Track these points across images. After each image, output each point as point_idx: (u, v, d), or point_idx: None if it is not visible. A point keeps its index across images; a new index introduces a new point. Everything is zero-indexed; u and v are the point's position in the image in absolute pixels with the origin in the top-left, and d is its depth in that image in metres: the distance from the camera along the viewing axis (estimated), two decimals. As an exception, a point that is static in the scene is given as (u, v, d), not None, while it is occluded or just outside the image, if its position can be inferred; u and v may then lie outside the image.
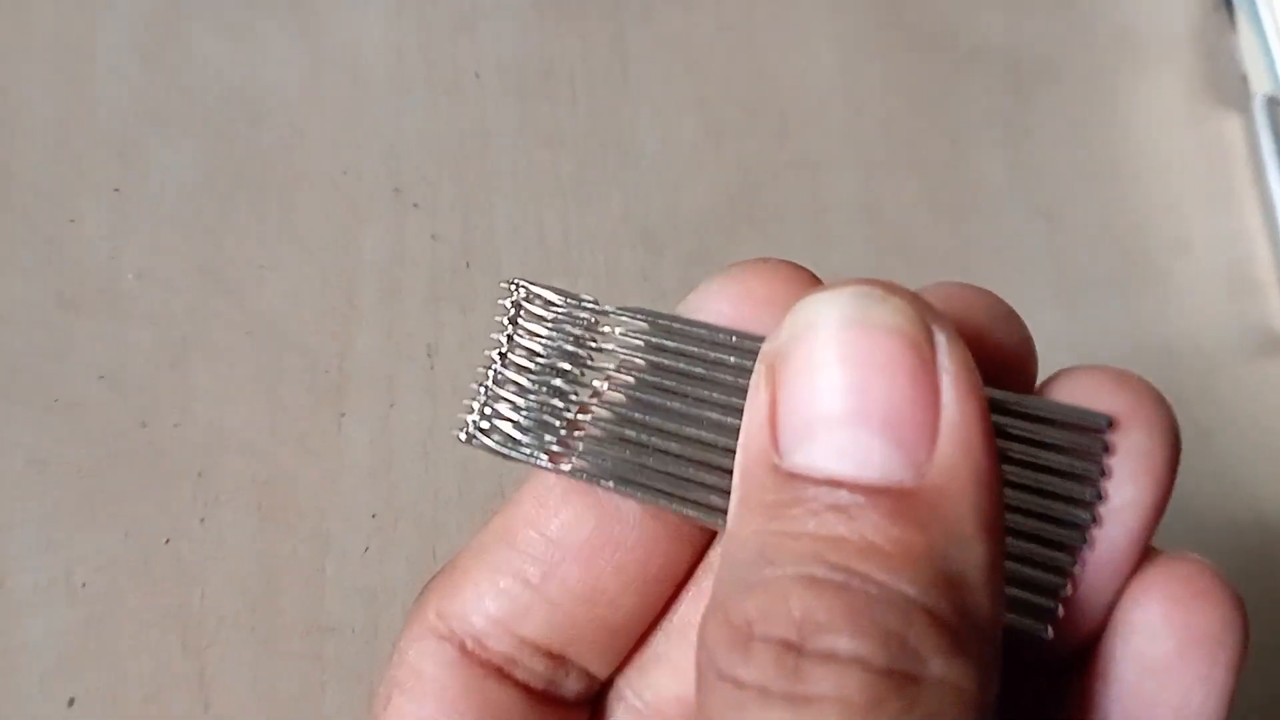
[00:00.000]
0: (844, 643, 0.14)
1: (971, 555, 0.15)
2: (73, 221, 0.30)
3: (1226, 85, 0.53)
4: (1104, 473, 0.17)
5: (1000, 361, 0.18)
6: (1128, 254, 0.45)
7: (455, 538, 0.29)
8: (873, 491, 0.15)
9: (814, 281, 0.18)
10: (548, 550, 0.19)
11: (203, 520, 0.28)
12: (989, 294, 0.18)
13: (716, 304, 0.18)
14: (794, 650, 0.14)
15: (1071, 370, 0.18)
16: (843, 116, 0.43)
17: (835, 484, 0.15)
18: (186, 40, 0.33)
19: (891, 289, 0.16)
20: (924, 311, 0.15)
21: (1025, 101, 0.47)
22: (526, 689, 0.19)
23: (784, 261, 0.19)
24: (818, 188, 0.40)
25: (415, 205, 0.34)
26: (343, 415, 0.30)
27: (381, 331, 0.31)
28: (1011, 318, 0.18)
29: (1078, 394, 0.18)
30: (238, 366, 0.30)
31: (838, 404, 0.15)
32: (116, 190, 0.31)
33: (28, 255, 0.29)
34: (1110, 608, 0.18)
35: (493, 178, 0.35)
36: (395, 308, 0.32)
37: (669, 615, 0.20)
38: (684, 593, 0.20)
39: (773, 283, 0.18)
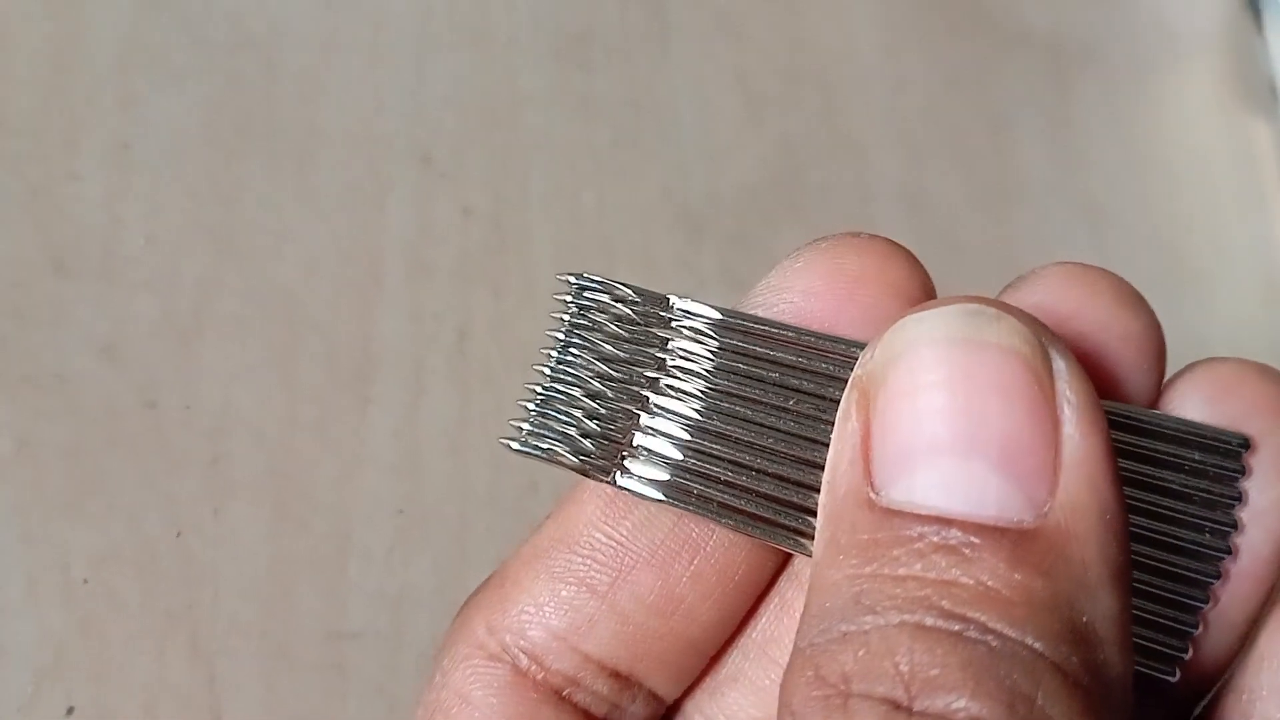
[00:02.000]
0: (963, 703, 0.12)
1: (1100, 606, 0.13)
2: (72, 178, 0.27)
3: (1255, 89, 0.52)
4: (1240, 499, 0.16)
5: (1127, 354, 0.16)
6: (1168, 256, 0.44)
7: (486, 539, 0.27)
8: (989, 531, 0.13)
9: (910, 259, 0.17)
10: (617, 554, 0.17)
11: (216, 512, 0.25)
12: (1113, 276, 0.17)
13: (803, 281, 0.17)
14: (902, 711, 0.12)
15: (1207, 363, 0.17)
16: (885, 96, 0.41)
17: (944, 522, 0.13)
18: (198, -19, 0.30)
19: (1005, 307, 0.14)
20: (1041, 333, 0.14)
21: (1066, 90, 0.46)
22: (586, 716, 0.17)
23: (878, 236, 0.17)
24: (860, 171, 0.38)
25: (443, 175, 0.31)
26: (366, 402, 0.28)
27: (408, 312, 0.29)
28: (1138, 304, 0.17)
29: (1216, 389, 0.16)
30: (252, 345, 0.27)
31: (945, 431, 0.13)
32: (122, 144, 0.28)
33: (21, 214, 0.26)
34: (1245, 630, 0.16)
35: (524, 148, 0.33)
36: (423, 286, 0.29)
37: (747, 630, 0.18)
38: (764, 605, 0.18)
39: (867, 258, 0.16)
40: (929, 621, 0.12)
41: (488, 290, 0.30)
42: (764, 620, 0.18)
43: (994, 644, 0.12)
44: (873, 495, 0.14)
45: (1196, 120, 0.49)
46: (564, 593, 0.17)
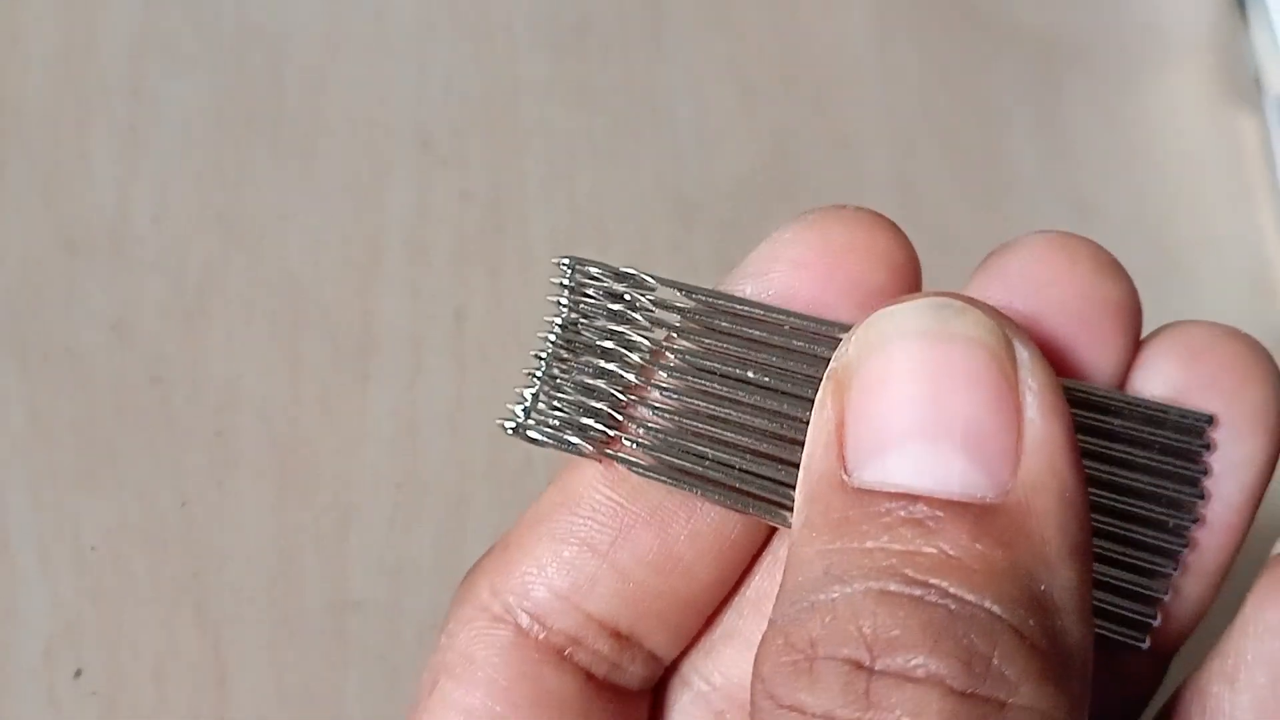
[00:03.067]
0: (920, 661, 0.13)
1: (1059, 577, 0.14)
2: (83, 160, 0.28)
3: (1242, 85, 0.52)
4: (1206, 472, 0.17)
5: (1105, 319, 0.17)
6: (1156, 249, 0.45)
7: (484, 512, 0.28)
8: (953, 506, 0.14)
9: (896, 231, 0.17)
10: (617, 514, 0.17)
11: (221, 484, 0.26)
12: (1092, 244, 0.17)
13: (793, 251, 0.17)
14: (864, 671, 0.13)
15: (1179, 326, 0.17)
16: (877, 90, 0.41)
17: (910, 498, 0.14)
18: (205, -30, 0.31)
19: (971, 301, 0.15)
20: (1005, 325, 0.15)
21: (1056, 86, 0.46)
22: (587, 675, 0.18)
23: (864, 208, 0.17)
24: (851, 162, 0.39)
25: (443, 161, 0.32)
26: (366, 379, 0.29)
27: (407, 292, 0.30)
28: (1116, 271, 0.17)
29: (1188, 351, 0.17)
30: (256, 323, 0.28)
31: (914, 417, 0.14)
32: (132, 128, 0.29)
33: (34, 194, 0.27)
34: (1219, 580, 0.17)
35: (522, 135, 0.34)
36: (422, 267, 0.30)
37: (741, 589, 0.19)
38: (758, 564, 0.19)
39: (854, 230, 0.17)
40: (892, 588, 0.13)
41: (485, 272, 0.31)
42: (758, 578, 0.18)
43: (953, 607, 0.13)
44: (845, 478, 0.14)
45: (1184, 115, 0.50)
46: (566, 553, 0.17)
